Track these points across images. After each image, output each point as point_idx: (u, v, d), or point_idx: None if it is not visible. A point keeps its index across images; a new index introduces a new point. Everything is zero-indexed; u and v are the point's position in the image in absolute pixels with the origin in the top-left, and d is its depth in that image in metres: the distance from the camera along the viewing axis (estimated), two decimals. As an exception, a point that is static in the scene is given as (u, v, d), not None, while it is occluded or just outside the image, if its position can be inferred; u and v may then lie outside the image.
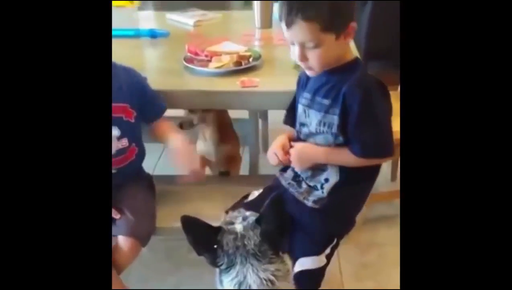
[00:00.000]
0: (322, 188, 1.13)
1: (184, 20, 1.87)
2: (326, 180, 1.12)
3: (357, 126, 1.03)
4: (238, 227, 0.90)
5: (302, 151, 1.13)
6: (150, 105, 1.25)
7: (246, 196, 1.22)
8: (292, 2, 0.99)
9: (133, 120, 1.22)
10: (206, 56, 1.41)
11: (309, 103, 1.10)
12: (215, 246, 0.87)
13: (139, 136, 1.28)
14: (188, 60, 1.40)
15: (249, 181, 1.28)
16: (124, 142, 1.21)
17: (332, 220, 1.14)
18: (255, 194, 1.21)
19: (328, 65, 1.05)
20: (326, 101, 1.06)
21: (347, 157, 1.06)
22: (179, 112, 1.51)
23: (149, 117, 1.27)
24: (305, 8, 0.97)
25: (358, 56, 1.09)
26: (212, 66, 1.37)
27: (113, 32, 1.70)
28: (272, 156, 1.17)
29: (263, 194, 1.20)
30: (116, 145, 1.20)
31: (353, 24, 1.02)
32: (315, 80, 1.09)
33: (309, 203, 1.13)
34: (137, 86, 1.23)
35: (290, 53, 1.08)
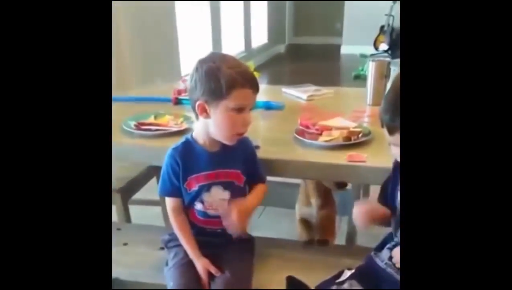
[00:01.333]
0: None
1: (298, 94, 1.98)
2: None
3: None
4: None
5: None
6: (255, 173, 1.34)
7: (339, 275, 1.21)
8: (393, 110, 1.00)
9: (242, 185, 1.31)
10: (317, 130, 1.48)
11: None
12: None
13: None
14: (299, 132, 1.48)
15: (346, 251, 1.28)
16: None
17: None
18: (347, 273, 1.20)
19: None
20: None
21: None
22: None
23: (251, 183, 1.35)
24: (390, 122, 0.99)
25: None
26: (322, 140, 1.43)
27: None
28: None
29: (358, 272, 1.19)
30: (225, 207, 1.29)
31: None
32: None
33: None
34: (250, 155, 1.33)
35: (391, 150, 1.10)
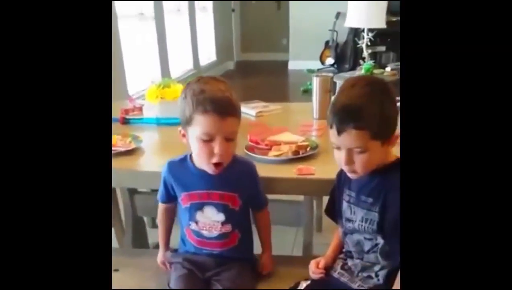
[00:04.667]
0: (377, 276, 1.15)
1: (247, 110, 2.00)
2: (381, 269, 1.14)
3: (396, 228, 1.06)
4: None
5: None
6: (255, 199, 1.34)
7: (295, 286, 1.23)
8: (345, 111, 1.05)
9: (238, 209, 1.28)
10: (266, 145, 1.51)
11: (354, 201, 1.16)
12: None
13: (245, 223, 1.34)
14: (249, 148, 1.50)
15: (303, 262, 1.30)
16: (227, 227, 1.28)
17: None
18: (303, 285, 1.22)
19: (371, 168, 1.11)
20: (370, 200, 1.12)
21: None
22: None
23: (252, 208, 1.37)
24: (358, 117, 1.03)
25: (397, 157, 1.13)
26: (272, 155, 1.46)
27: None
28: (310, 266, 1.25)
29: (313, 284, 1.22)
30: (219, 229, 1.28)
31: (398, 133, 1.08)
32: (357, 179, 1.14)
33: None
34: (251, 181, 1.30)
35: (334, 154, 1.12)
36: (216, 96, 1.14)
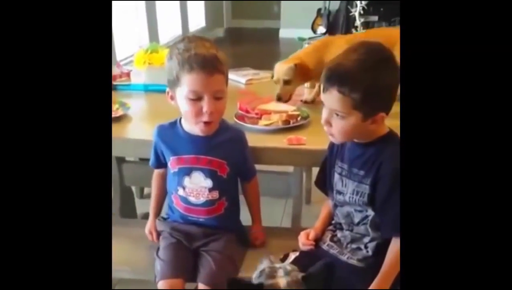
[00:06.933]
0: (366, 247, 1.14)
1: (237, 78, 1.97)
2: (370, 241, 1.13)
3: (387, 200, 1.05)
4: (282, 282, 0.91)
5: None
6: (243, 168, 1.32)
7: (284, 258, 1.23)
8: (334, 71, 1.03)
9: (226, 177, 1.27)
10: (257, 114, 1.48)
11: (346, 174, 1.14)
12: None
13: (232, 192, 1.33)
14: (239, 117, 1.47)
15: (291, 234, 1.29)
16: (215, 194, 1.27)
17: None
18: (292, 256, 1.21)
19: (349, 138, 1.09)
20: (362, 172, 1.10)
21: (395, 250, 1.05)
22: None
23: (241, 177, 1.35)
24: (343, 81, 1.00)
25: (391, 129, 1.11)
26: (262, 124, 1.43)
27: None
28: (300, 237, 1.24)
29: (302, 255, 1.21)
30: (206, 195, 1.27)
31: (383, 114, 1.05)
32: (350, 151, 1.13)
33: (355, 262, 1.14)
34: (240, 149, 1.29)
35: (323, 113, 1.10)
36: (201, 54, 1.13)
